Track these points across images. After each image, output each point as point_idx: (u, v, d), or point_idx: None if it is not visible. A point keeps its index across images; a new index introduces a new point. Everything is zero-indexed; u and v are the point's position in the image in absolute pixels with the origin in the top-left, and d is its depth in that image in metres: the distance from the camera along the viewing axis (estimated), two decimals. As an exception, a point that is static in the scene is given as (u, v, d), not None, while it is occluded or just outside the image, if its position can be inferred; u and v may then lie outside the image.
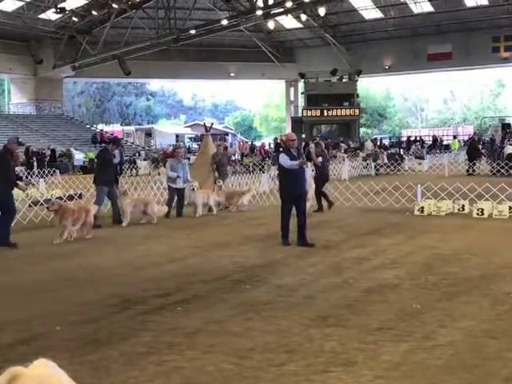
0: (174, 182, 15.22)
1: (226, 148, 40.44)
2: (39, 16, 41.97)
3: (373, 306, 6.50)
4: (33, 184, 20.09)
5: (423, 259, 9.03)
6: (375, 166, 30.42)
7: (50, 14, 41.92)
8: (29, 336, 5.74)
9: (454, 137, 49.55)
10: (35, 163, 31.61)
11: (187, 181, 15.36)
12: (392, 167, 29.93)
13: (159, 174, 24.73)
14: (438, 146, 46.57)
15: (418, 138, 48.77)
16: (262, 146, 41.61)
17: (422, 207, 14.39)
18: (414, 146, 40.46)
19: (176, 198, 15.38)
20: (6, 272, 8.89)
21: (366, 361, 4.89)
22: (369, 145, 37.10)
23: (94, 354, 5.17)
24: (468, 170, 27.27)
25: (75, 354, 5.13)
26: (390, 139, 59.45)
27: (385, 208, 15.35)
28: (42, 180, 23.49)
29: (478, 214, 13.56)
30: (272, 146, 39.13)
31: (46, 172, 27.98)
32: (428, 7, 45.58)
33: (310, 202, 14.21)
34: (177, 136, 60.05)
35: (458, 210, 14.41)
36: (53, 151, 36.40)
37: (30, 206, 14.69)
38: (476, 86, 77.26)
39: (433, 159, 34.02)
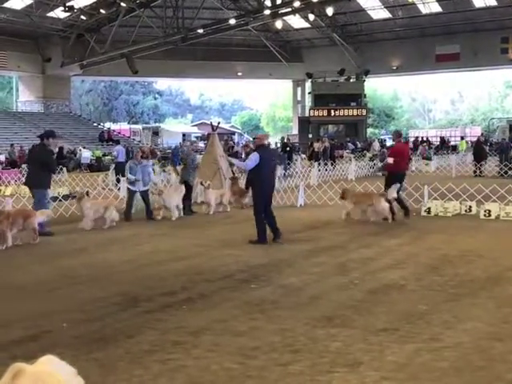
0: (134, 185, 14.66)
1: (231, 147, 40.47)
2: (48, 14, 42.10)
3: (378, 307, 6.49)
4: None
5: (429, 260, 9.00)
6: (383, 167, 30.31)
7: (59, 13, 42.07)
8: (36, 333, 5.76)
9: (462, 138, 49.39)
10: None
11: (153, 183, 14.86)
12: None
13: (164, 170, 24.73)
14: (445, 146, 46.42)
15: (425, 139, 48.62)
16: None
17: (429, 208, 14.34)
18: (421, 147, 40.32)
19: (141, 200, 14.81)
20: (12, 270, 8.93)
21: (372, 362, 4.88)
22: (376, 145, 37.04)
23: (100, 352, 5.18)
24: (475, 171, 27.17)
25: (81, 352, 5.14)
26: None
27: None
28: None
29: (485, 215, 13.50)
30: (279, 145, 39.04)
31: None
32: (436, 8, 45.45)
33: None
34: (183, 135, 60.10)
35: (465, 211, 14.36)
36: (60, 149, 36.48)
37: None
38: (484, 87, 76.99)
39: (440, 160, 33.90)
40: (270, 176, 11.33)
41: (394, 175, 13.76)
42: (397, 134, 14.95)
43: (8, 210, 11.58)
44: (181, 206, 14.92)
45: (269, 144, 11.98)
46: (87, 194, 14.08)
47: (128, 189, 15.01)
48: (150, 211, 14.67)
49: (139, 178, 14.58)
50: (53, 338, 5.62)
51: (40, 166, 12.15)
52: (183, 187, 15.28)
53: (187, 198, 15.58)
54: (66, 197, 15.46)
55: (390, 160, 13.97)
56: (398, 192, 13.64)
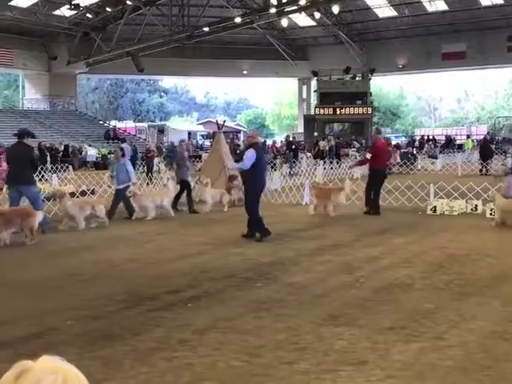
0: (114, 183, 14.61)
1: (237, 145, 40.44)
2: (54, 12, 42.17)
3: (384, 306, 6.48)
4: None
5: (435, 259, 8.98)
6: (387, 165, 30.29)
7: (65, 11, 42.12)
8: (41, 330, 5.78)
9: (468, 136, 49.23)
10: (48, 158, 31.77)
11: (131, 183, 14.36)
12: (405, 166, 29.78)
13: (170, 169, 24.73)
14: (451, 145, 46.29)
15: (431, 138, 48.50)
16: (274, 143, 41.54)
17: (435, 207, 14.32)
18: (427, 146, 40.23)
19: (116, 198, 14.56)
20: (18, 267, 8.97)
21: (377, 360, 4.88)
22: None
23: (106, 350, 5.20)
24: (481, 170, 27.09)
25: (86, 349, 5.15)
26: (405, 138, 59.18)
27: (397, 207, 15.29)
28: (54, 175, 23.64)
29: (491, 214, 13.45)
30: (284, 142, 38.99)
31: (59, 167, 28.11)
32: (443, 6, 45.28)
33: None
34: (189, 133, 60.14)
35: (471, 209, 14.32)
36: (66, 147, 36.59)
37: (43, 201, 14.76)
38: (490, 85, 76.66)
39: (446, 159, 33.82)
40: (263, 174, 11.51)
41: (375, 172, 14.57)
42: (376, 132, 15.44)
43: (4, 210, 11.50)
44: (168, 206, 14.58)
45: (262, 142, 12.22)
46: (93, 192, 14.13)
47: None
48: (114, 212, 14.28)
49: (114, 174, 14.48)
50: (58, 336, 5.64)
51: (28, 163, 12.06)
52: (171, 187, 15.34)
53: (188, 195, 15.65)
54: (72, 194, 15.46)
55: (368, 156, 14.67)
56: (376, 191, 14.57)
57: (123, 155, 15.27)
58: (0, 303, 6.86)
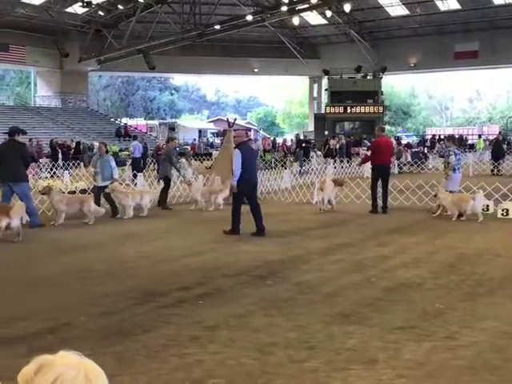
0: (95, 180, 14.47)
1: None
2: (66, 10, 42.35)
3: (395, 305, 6.47)
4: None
5: (446, 259, 8.95)
6: (398, 165, 30.22)
7: (77, 8, 42.30)
8: (53, 326, 5.82)
9: (479, 136, 48.93)
10: (60, 155, 31.95)
11: (112, 179, 14.16)
12: (416, 166, 29.68)
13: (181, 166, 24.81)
14: (462, 145, 46.04)
15: (442, 137, 48.25)
16: (284, 142, 41.54)
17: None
18: (438, 145, 40.04)
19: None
20: (30, 264, 9.03)
21: (388, 359, 4.87)
22: (393, 143, 36.80)
23: (118, 346, 5.22)
24: (493, 170, 26.93)
25: (99, 345, 5.18)
26: (416, 137, 58.94)
27: (408, 206, 15.24)
28: (66, 172, 23.76)
29: (502, 214, 13.39)
30: (294, 141, 38.95)
31: (71, 164, 28.26)
32: (455, 5, 45.03)
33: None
34: (199, 131, 60.23)
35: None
36: (77, 144, 36.75)
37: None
38: (502, 85, 76.15)
39: (457, 158, 33.60)
40: (252, 171, 11.69)
41: (374, 169, 14.94)
42: (378, 129, 15.84)
43: None
44: (147, 205, 14.49)
45: (249, 140, 12.46)
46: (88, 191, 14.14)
47: (94, 184, 14.83)
48: (115, 209, 14.18)
49: (98, 170, 14.26)
50: (70, 331, 5.68)
51: (21, 159, 12.17)
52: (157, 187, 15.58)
53: (164, 192, 15.92)
54: (83, 191, 15.55)
55: (368, 153, 14.84)
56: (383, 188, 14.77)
57: (107, 151, 15.23)
58: (13, 299, 6.92)
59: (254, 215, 11.45)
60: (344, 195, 16.55)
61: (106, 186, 14.06)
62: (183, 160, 25.40)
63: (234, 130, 20.32)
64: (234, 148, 12.22)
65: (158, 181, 17.34)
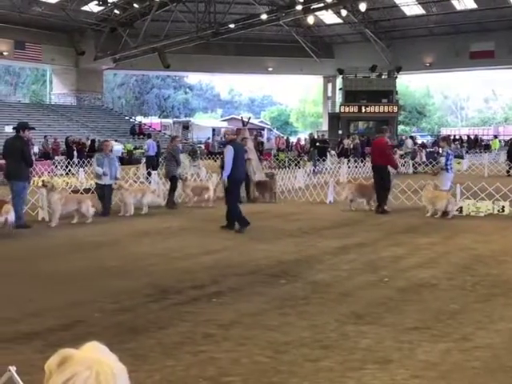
0: (100, 178, 14.20)
1: (261, 142, 40.43)
2: (82, 8, 42.57)
3: (409, 306, 6.45)
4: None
5: (461, 260, 8.90)
6: (413, 165, 30.10)
7: (93, 7, 42.51)
8: (68, 322, 5.87)
9: (495, 136, 48.54)
10: (75, 153, 32.15)
11: (116, 178, 14.25)
12: (430, 166, 29.51)
13: (194, 165, 24.88)
14: (477, 145, 45.74)
15: (457, 137, 47.98)
16: (298, 141, 41.48)
17: (461, 207, 14.17)
18: (453, 145, 39.77)
19: (104, 194, 14.19)
20: (45, 260, 9.10)
21: (402, 359, 4.86)
22: (409, 143, 36.64)
23: (132, 343, 5.26)
24: (508, 171, 26.71)
25: (114, 341, 5.20)
26: (430, 137, 58.62)
27: (422, 207, 15.15)
28: (81, 169, 23.92)
29: (517, 215, 13.29)
30: (307, 140, 38.88)
31: (86, 162, 28.44)
32: (471, 4, 44.67)
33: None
34: (213, 129, 60.31)
35: (498, 211, 14.14)
36: (93, 142, 36.96)
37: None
38: (519, 85, 75.46)
39: (472, 159, 33.42)
40: (240, 169, 12.11)
41: (372, 168, 15.62)
42: (378, 130, 16.53)
43: None
44: (147, 204, 14.51)
45: (244, 139, 12.84)
46: (89, 191, 14.18)
47: (96, 183, 14.52)
48: (107, 208, 14.10)
49: (107, 171, 14.14)
50: (85, 327, 5.73)
51: (20, 158, 12.13)
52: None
53: (171, 191, 15.91)
54: (87, 190, 15.61)
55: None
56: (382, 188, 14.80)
57: (111, 150, 15.29)
58: (29, 295, 6.97)
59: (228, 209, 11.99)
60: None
61: (110, 185, 14.12)
62: (199, 161, 25.56)
63: (248, 129, 20.34)
64: (226, 144, 12.63)
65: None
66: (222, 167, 12.44)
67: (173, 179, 16.00)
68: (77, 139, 34.49)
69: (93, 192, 14.68)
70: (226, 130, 14.11)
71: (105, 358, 1.54)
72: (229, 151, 11.79)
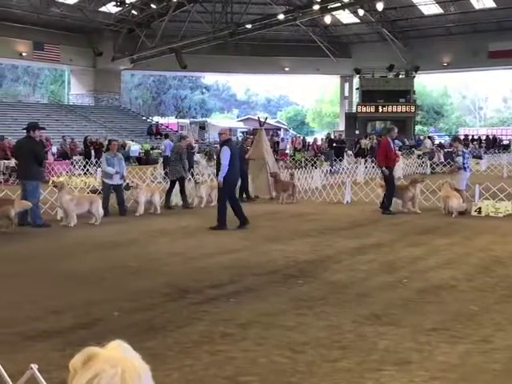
0: (111, 178, 14.19)
1: (277, 143, 40.41)
2: (100, 9, 42.87)
3: (428, 307, 6.41)
4: None
5: (480, 261, 8.82)
6: (431, 165, 29.91)
7: (111, 7, 42.79)
8: (88, 321, 5.91)
9: (514, 137, 48.05)
10: (93, 152, 32.38)
11: (123, 176, 14.41)
12: (448, 166, 29.28)
13: (211, 166, 24.94)
14: (496, 145, 45.30)
15: (475, 137, 47.57)
16: (315, 141, 41.39)
17: (480, 208, 14.05)
18: (471, 145, 39.49)
19: (114, 194, 14.29)
20: (64, 259, 9.17)
21: (421, 361, 4.83)
22: (427, 143, 36.43)
23: (150, 341, 5.28)
24: (527, 172, 26.45)
25: (134, 340, 5.19)
26: (448, 137, 58.16)
27: (440, 207, 15.04)
28: (99, 169, 24.04)
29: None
30: (324, 140, 38.77)
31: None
32: (490, 3, 44.24)
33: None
34: (229, 130, 60.29)
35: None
36: (110, 142, 37.19)
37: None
38: (538, 84, 74.63)
39: (491, 159, 33.12)
40: (236, 169, 12.18)
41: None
42: (386, 130, 16.76)
43: None
44: (157, 203, 14.62)
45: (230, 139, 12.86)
46: (127, 186, 14.19)
47: (103, 183, 14.55)
48: (123, 207, 14.24)
49: (118, 170, 14.24)
50: (104, 326, 5.76)
51: (32, 158, 12.23)
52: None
53: (182, 192, 15.87)
54: (94, 191, 15.72)
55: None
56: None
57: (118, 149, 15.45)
58: (48, 293, 7.04)
59: (233, 210, 12.11)
60: (375, 195, 16.41)
61: (121, 184, 14.26)
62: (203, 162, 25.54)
63: (265, 129, 20.35)
64: (222, 145, 12.57)
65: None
66: (218, 168, 12.36)
67: (180, 180, 15.84)
68: (94, 139, 34.69)
69: (99, 193, 14.70)
70: (221, 129, 14.02)
71: (129, 356, 1.55)
72: (226, 152, 11.85)
